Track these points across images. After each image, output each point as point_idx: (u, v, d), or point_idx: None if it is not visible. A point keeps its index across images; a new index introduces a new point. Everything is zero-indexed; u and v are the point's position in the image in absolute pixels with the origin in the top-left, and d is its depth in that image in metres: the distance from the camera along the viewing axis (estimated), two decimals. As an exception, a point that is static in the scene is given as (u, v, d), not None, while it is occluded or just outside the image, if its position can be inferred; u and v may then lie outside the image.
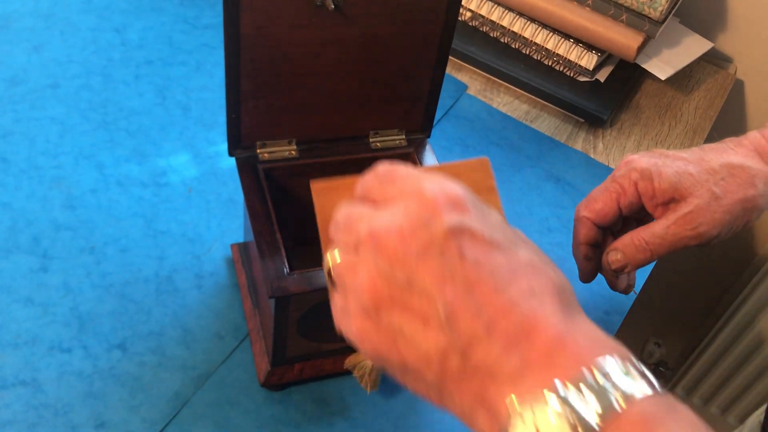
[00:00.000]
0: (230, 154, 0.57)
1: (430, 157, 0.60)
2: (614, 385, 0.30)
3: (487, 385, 0.32)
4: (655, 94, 0.91)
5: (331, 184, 0.42)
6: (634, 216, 0.59)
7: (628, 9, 0.82)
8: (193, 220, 0.70)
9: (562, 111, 0.87)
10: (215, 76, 0.83)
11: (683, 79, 0.93)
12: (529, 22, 0.87)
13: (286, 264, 0.51)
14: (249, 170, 0.56)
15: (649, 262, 0.57)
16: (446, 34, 0.55)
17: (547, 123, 0.86)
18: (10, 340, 0.60)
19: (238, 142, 0.56)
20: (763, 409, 0.73)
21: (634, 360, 0.31)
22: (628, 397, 0.30)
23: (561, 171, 0.81)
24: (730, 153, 0.57)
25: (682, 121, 0.89)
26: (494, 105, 0.86)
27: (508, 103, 0.87)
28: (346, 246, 0.38)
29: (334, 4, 0.50)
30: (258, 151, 0.57)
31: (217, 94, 0.81)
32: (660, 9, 0.80)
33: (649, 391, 0.30)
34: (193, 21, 0.88)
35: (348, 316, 0.37)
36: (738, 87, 0.99)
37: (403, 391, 0.62)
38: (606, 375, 0.30)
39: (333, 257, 0.38)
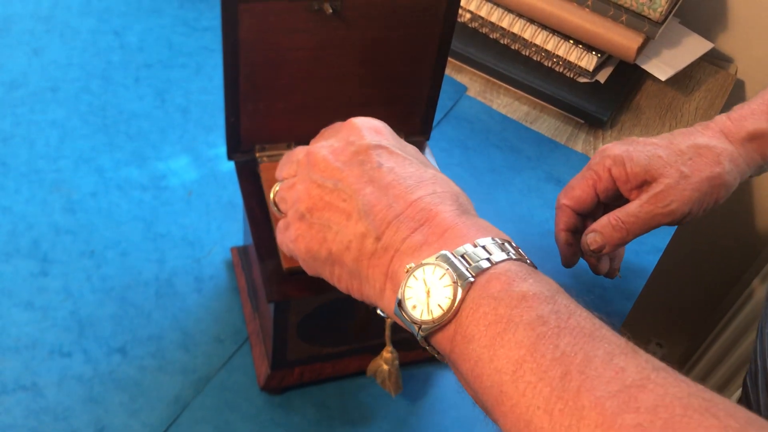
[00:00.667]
0: (229, 157, 0.57)
1: (429, 160, 0.60)
2: (489, 253, 0.37)
3: (394, 259, 0.40)
4: (655, 95, 0.91)
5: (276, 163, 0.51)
6: (612, 202, 0.61)
7: (627, 10, 0.82)
8: (193, 224, 0.70)
9: (562, 112, 0.86)
10: (215, 79, 0.83)
11: (683, 80, 0.93)
12: (528, 24, 0.87)
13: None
14: (248, 174, 0.56)
15: (625, 241, 0.59)
16: (445, 36, 0.55)
17: (547, 124, 0.86)
18: (11, 345, 0.60)
19: (237, 145, 0.56)
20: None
21: (513, 242, 0.39)
22: (498, 261, 0.37)
23: (561, 172, 0.81)
24: (698, 135, 0.60)
25: (682, 122, 0.89)
26: (494, 106, 0.86)
27: (508, 104, 0.87)
28: (287, 175, 0.47)
29: (332, 9, 0.50)
30: (257, 154, 0.57)
31: (216, 97, 0.81)
32: (660, 10, 0.80)
33: (516, 260, 0.38)
34: (192, 23, 0.88)
35: (287, 229, 0.45)
36: (739, 87, 0.99)
37: (405, 394, 0.62)
38: (484, 247, 0.38)
39: (275, 189, 0.47)
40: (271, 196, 0.48)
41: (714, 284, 1.21)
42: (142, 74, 0.82)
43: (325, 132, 0.48)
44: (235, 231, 0.70)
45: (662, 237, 0.78)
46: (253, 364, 0.61)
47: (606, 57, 0.87)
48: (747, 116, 0.61)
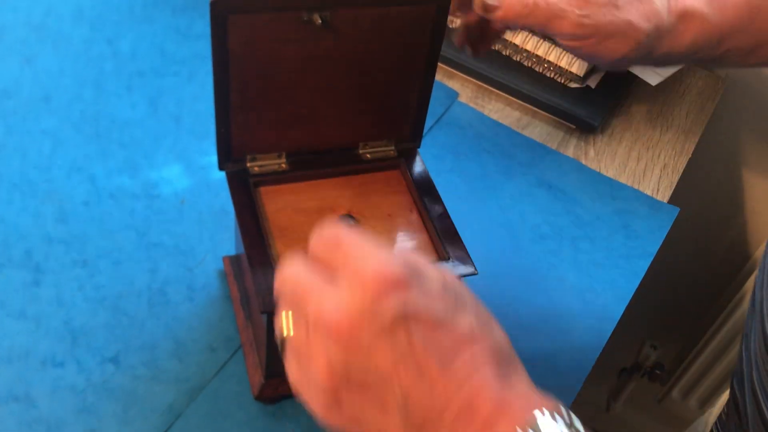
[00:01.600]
0: (220, 168, 0.57)
1: (419, 167, 0.60)
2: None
3: None
4: (646, 100, 0.91)
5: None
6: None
7: (618, 15, 0.82)
8: (186, 232, 0.70)
9: (554, 118, 0.87)
10: (207, 87, 0.83)
11: (674, 84, 0.93)
12: (519, 30, 0.87)
13: None
14: (239, 183, 0.56)
15: (523, 21, 0.58)
16: (434, 46, 0.55)
17: (538, 130, 0.86)
18: (3, 355, 0.60)
19: (228, 155, 0.56)
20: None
21: (563, 409, 0.35)
22: None
23: (553, 178, 0.81)
24: None
25: (673, 126, 0.89)
26: (486, 112, 0.87)
27: (500, 110, 0.87)
28: (296, 317, 0.39)
29: (321, 19, 0.50)
30: (248, 164, 0.57)
31: (209, 105, 0.81)
32: (650, 15, 0.80)
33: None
34: (185, 31, 0.88)
35: (309, 392, 0.38)
36: (729, 90, 0.99)
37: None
38: (535, 428, 0.34)
39: (287, 326, 0.39)
40: (280, 329, 0.40)
41: (707, 285, 1.22)
42: (135, 82, 0.82)
43: (329, 244, 0.39)
44: (227, 239, 0.70)
45: (654, 241, 0.78)
46: (246, 372, 0.62)
47: (597, 62, 0.87)
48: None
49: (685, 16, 0.60)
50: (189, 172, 0.75)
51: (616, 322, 0.72)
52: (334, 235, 0.39)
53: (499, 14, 0.56)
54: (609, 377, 1.42)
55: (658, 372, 1.29)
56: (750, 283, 1.09)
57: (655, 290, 1.10)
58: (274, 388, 0.59)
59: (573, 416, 0.35)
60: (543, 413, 0.34)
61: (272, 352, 0.56)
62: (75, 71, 0.81)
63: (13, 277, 0.65)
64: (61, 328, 0.62)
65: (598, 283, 0.74)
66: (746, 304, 1.09)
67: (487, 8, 0.56)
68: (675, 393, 1.29)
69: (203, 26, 0.88)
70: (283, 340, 0.39)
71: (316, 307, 0.37)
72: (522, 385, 0.37)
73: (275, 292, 0.40)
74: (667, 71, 0.88)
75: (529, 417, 0.34)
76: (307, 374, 0.38)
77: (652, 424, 1.46)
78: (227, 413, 0.60)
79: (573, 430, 0.34)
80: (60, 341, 0.62)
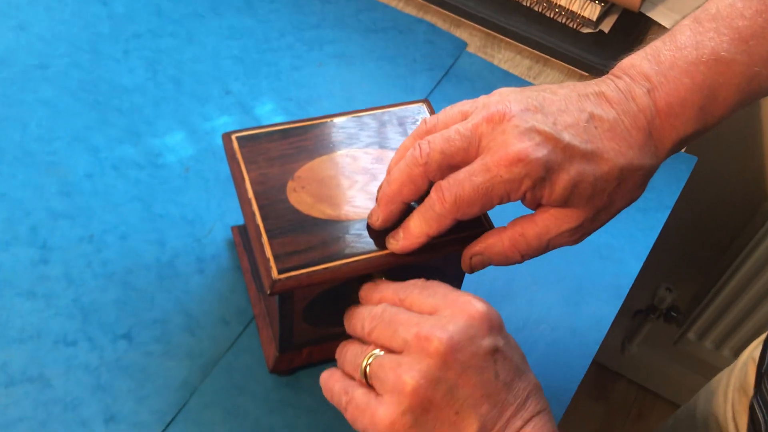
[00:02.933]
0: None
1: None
2: None
3: None
4: (661, 43, 0.88)
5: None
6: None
7: (632, -44, 0.78)
8: (192, 202, 0.69)
9: (566, 65, 0.84)
10: (207, 47, 0.80)
11: (691, 25, 0.89)
12: None
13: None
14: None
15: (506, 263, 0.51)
16: None
17: (551, 78, 0.83)
18: (15, 336, 0.60)
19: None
20: (756, 343, 0.73)
21: None
22: None
23: (566, 129, 0.79)
24: (630, 140, 0.47)
25: (690, 70, 0.86)
26: (495, 62, 0.84)
27: (510, 59, 0.84)
28: (387, 345, 0.43)
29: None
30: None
31: (209, 66, 0.79)
32: (665, -45, 0.77)
33: None
34: (181, -12, 0.85)
35: (372, 411, 0.41)
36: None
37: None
38: None
39: (372, 355, 0.44)
40: (363, 362, 0.44)
41: (722, 229, 1.20)
42: (132, 45, 0.79)
43: (424, 290, 0.45)
44: (235, 208, 0.68)
45: (671, 193, 0.76)
46: (260, 345, 0.61)
47: (609, 5, 0.84)
48: (677, 110, 0.48)
49: (669, 112, 0.49)
50: (192, 139, 0.73)
51: (635, 278, 0.70)
52: (430, 283, 0.45)
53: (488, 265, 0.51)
54: (623, 319, 1.42)
55: (673, 314, 1.28)
56: (764, 229, 1.07)
57: (671, 235, 1.09)
58: (289, 362, 0.59)
59: None
60: None
61: (285, 329, 0.55)
62: (70, 36, 0.79)
63: (21, 255, 0.64)
64: (71, 306, 0.62)
65: (615, 239, 0.72)
66: (763, 246, 1.07)
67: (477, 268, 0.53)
68: (691, 334, 1.29)
69: (199, -18, 0.85)
70: (365, 369, 0.44)
71: (416, 328, 0.41)
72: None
73: (364, 331, 0.46)
74: (682, 11, 0.84)
75: None
76: (384, 394, 0.41)
77: (667, 364, 1.46)
78: (243, 387, 0.59)
79: None
80: (71, 319, 0.61)
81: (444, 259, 0.54)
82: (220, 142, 0.73)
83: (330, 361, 0.61)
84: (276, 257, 0.49)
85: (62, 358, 0.59)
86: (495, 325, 0.42)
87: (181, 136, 0.73)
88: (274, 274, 0.49)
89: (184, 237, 0.67)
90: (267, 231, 0.51)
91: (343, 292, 0.53)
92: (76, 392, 0.58)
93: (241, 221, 0.66)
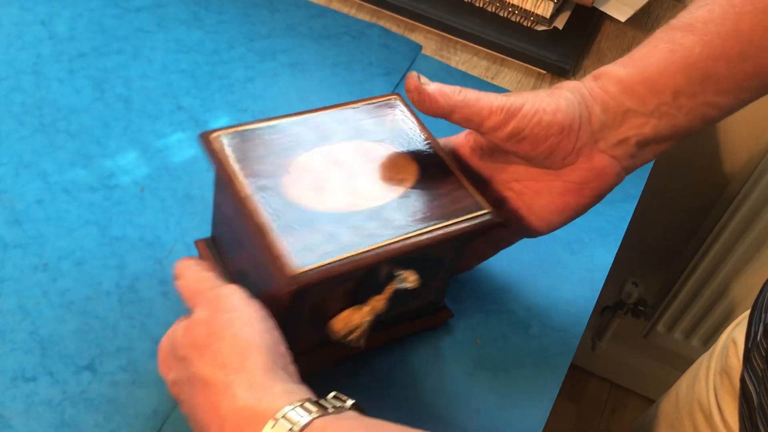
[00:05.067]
0: None
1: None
2: (291, 422, 0.40)
3: None
4: (615, 36, 0.88)
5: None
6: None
7: (581, -50, 0.78)
8: (150, 222, 0.66)
9: (523, 64, 0.83)
10: (155, 62, 0.78)
11: (642, 18, 0.90)
12: None
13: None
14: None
15: (436, 111, 0.52)
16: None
17: (509, 78, 0.83)
18: (-32, 375, 0.56)
19: None
20: (734, 325, 0.73)
21: (312, 399, 0.42)
22: (304, 423, 0.40)
23: (528, 127, 0.78)
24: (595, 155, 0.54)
25: (645, 61, 0.86)
26: (452, 64, 0.83)
27: (467, 60, 0.84)
28: None
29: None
30: None
31: (158, 82, 0.76)
32: (614, -53, 0.77)
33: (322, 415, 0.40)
34: (124, 4, 0.82)
35: None
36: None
37: (406, 379, 0.60)
38: (285, 417, 0.40)
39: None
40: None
41: (684, 220, 1.21)
42: (76, 65, 0.76)
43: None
44: (195, 225, 0.66)
45: (637, 182, 0.76)
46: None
47: (562, 2, 0.83)
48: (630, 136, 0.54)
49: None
50: (146, 157, 0.70)
51: (608, 271, 0.70)
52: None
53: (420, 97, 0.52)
54: (592, 316, 1.42)
55: (641, 308, 1.28)
56: (728, 215, 1.08)
57: (634, 229, 1.09)
58: None
59: (322, 402, 0.42)
60: (292, 406, 0.40)
61: (290, 331, 0.51)
62: (9, 59, 0.75)
63: (-31, 289, 0.60)
64: (27, 339, 0.58)
65: (585, 233, 0.72)
66: (723, 238, 1.08)
67: (413, 90, 0.52)
68: (660, 327, 1.29)
69: (144, -3, 0.83)
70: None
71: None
72: (278, 386, 0.43)
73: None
74: (635, 5, 0.85)
75: (277, 412, 0.40)
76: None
77: (639, 359, 1.47)
78: (217, 411, 0.56)
79: (321, 409, 0.41)
80: (28, 354, 0.57)
81: (446, 248, 0.55)
82: (174, 159, 0.70)
83: (327, 366, 0.58)
84: (289, 253, 0.47)
85: (21, 395, 0.56)
86: (176, 359, 0.47)
87: (134, 155, 0.70)
88: (291, 269, 0.46)
89: (144, 259, 0.64)
90: (271, 228, 0.48)
91: (353, 287, 0.51)
92: (38, 431, 0.54)
93: (202, 235, 0.63)
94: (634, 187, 0.76)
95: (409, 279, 0.51)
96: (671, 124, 0.52)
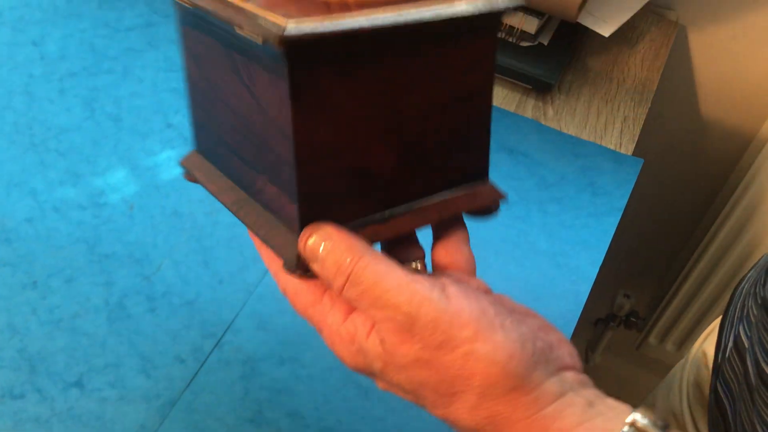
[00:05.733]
0: None
1: None
2: None
3: None
4: (600, 52, 0.89)
5: None
6: None
7: (564, -33, 0.79)
8: (138, 239, 0.67)
9: (509, 80, 0.84)
10: (145, 81, 0.79)
11: (627, 32, 0.91)
12: None
13: None
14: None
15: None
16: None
17: (495, 94, 0.84)
18: (-42, 393, 0.57)
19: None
20: (704, 336, 0.73)
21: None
22: None
23: (513, 142, 0.79)
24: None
25: (630, 76, 0.87)
26: (439, 80, 0.84)
27: (453, 76, 0.85)
28: None
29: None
30: None
31: (148, 100, 0.77)
32: (596, -36, 0.78)
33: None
34: (114, 24, 0.83)
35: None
36: (681, 33, 0.98)
37: (380, 395, 0.60)
38: None
39: None
40: None
41: (674, 231, 1.21)
42: (67, 84, 0.77)
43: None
44: (182, 242, 0.67)
45: (621, 196, 0.77)
46: (218, 382, 0.59)
47: (547, 18, 0.84)
48: None
49: None
50: (135, 176, 0.71)
51: (592, 283, 0.70)
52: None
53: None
54: (585, 329, 1.42)
55: (633, 320, 1.29)
56: (717, 225, 1.09)
57: (625, 241, 1.10)
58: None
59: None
60: None
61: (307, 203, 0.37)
62: (1, 79, 0.76)
63: (-41, 307, 0.61)
64: (16, 357, 0.59)
65: (569, 246, 0.72)
66: (715, 246, 1.09)
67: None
68: (652, 338, 1.29)
69: (133, 17, 0.84)
70: None
71: None
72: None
73: None
74: (619, 20, 0.86)
75: None
76: None
77: (632, 369, 1.47)
78: (203, 427, 0.57)
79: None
80: (17, 371, 0.58)
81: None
82: (164, 176, 0.71)
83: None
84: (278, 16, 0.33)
85: (9, 412, 0.56)
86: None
87: (124, 173, 0.71)
88: (281, 21, 0.32)
89: (132, 276, 0.64)
90: None
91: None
92: (26, 447, 0.55)
93: (192, 253, 0.64)
94: (618, 200, 0.76)
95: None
96: None
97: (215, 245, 0.67)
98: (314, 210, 0.37)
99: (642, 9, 0.90)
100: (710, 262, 1.11)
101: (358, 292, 0.35)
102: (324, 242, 0.35)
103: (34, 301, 0.62)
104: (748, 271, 0.68)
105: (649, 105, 0.84)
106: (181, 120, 0.76)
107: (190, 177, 0.46)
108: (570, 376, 0.36)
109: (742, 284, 0.66)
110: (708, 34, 0.97)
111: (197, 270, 0.65)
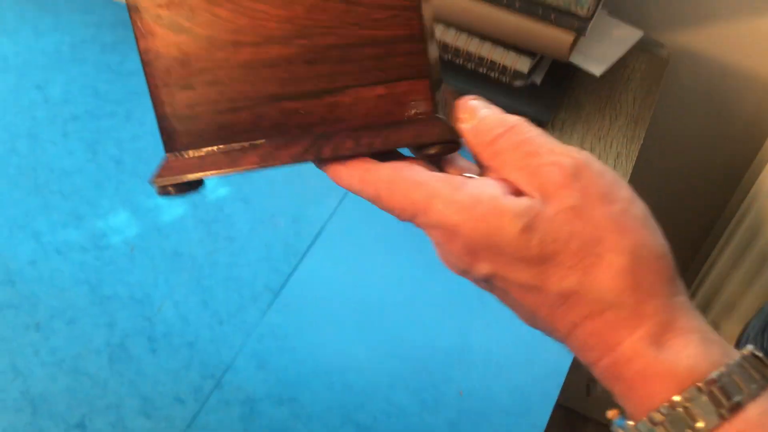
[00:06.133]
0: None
1: None
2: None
3: None
4: (592, 90, 0.91)
5: None
6: None
7: (555, 9, 0.81)
8: (139, 280, 0.68)
9: (503, 117, 0.86)
10: (146, 124, 0.80)
11: (619, 70, 0.93)
12: (459, 32, 0.86)
13: None
14: None
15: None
16: None
17: (489, 131, 0.85)
18: (-39, 435, 0.58)
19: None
20: None
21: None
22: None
23: (508, 179, 0.81)
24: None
25: (622, 113, 0.89)
26: (434, 119, 0.85)
27: (448, 115, 0.86)
28: None
29: None
30: None
31: (149, 142, 0.79)
32: (587, 6, 0.80)
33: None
34: (117, 68, 0.85)
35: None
36: (672, 70, 0.99)
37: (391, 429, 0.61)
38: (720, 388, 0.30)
39: None
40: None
41: (688, 236, 1.22)
42: (70, 128, 0.79)
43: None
44: (183, 283, 0.68)
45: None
46: (219, 422, 0.60)
47: (539, 58, 0.86)
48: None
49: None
50: (136, 217, 0.72)
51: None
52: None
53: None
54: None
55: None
56: (709, 262, 1.10)
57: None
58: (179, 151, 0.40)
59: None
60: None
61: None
62: (6, 123, 0.78)
63: (-37, 350, 0.62)
64: (19, 399, 0.60)
65: (565, 283, 0.73)
66: (710, 279, 1.10)
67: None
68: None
69: (135, 60, 0.85)
70: None
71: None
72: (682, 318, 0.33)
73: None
74: (610, 58, 0.88)
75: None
76: None
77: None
78: (203, 467, 0.58)
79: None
80: (19, 413, 0.59)
81: None
82: (164, 218, 0.72)
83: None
84: None
85: (12, 454, 0.57)
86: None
87: (125, 215, 0.72)
88: None
89: (133, 317, 0.65)
90: None
91: None
92: (28, 489, 0.56)
93: (191, 293, 0.65)
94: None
95: None
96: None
97: (214, 285, 0.68)
98: None
99: (633, 47, 0.92)
100: (707, 294, 1.12)
101: (520, 139, 0.35)
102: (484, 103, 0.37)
103: (36, 342, 0.63)
104: (752, 319, 0.69)
105: (642, 141, 0.86)
106: (182, 161, 0.77)
107: (176, 186, 0.40)
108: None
109: (747, 330, 0.66)
110: (699, 70, 0.99)
111: (197, 310, 0.66)
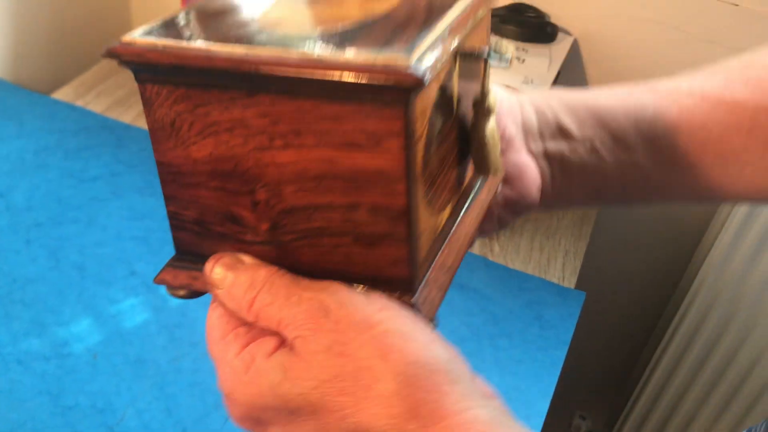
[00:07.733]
0: None
1: None
2: None
3: None
4: (540, 188, 0.96)
5: None
6: None
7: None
8: (102, 389, 0.68)
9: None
10: (109, 229, 0.82)
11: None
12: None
13: None
14: None
15: None
16: None
17: (443, 231, 0.89)
18: None
19: None
20: None
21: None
22: None
23: (463, 278, 0.84)
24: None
25: (569, 212, 0.93)
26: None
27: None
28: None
29: None
30: None
31: (112, 248, 0.80)
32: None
33: None
34: (79, 174, 0.87)
35: None
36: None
37: None
38: None
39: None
40: None
41: (623, 353, 1.26)
42: (33, 235, 0.80)
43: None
44: (146, 390, 0.68)
45: (567, 328, 0.81)
46: None
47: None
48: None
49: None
50: (99, 324, 0.73)
51: (545, 415, 0.73)
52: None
53: None
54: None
55: (591, 439, 1.31)
56: (665, 340, 1.13)
57: (575, 365, 1.13)
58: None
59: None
60: None
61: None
62: (-32, 232, 0.79)
63: None
64: None
65: (521, 380, 0.75)
66: (664, 360, 1.13)
67: None
68: (610, 457, 1.31)
69: (98, 167, 0.88)
70: None
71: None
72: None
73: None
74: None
75: None
76: None
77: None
78: None
79: None
80: None
81: None
82: (127, 324, 0.73)
83: None
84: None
85: None
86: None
87: (88, 322, 0.73)
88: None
89: (95, 427, 0.65)
90: None
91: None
92: None
93: (155, 400, 0.65)
94: (564, 333, 0.80)
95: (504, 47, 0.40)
96: (596, 166, 0.46)
97: (178, 392, 0.69)
98: None
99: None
100: (662, 377, 1.15)
101: (272, 294, 0.33)
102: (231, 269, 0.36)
103: (-5, 457, 0.62)
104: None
105: (588, 239, 0.90)
106: (145, 268, 0.79)
107: (184, 290, 0.42)
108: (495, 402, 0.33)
109: None
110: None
111: (160, 418, 0.67)
